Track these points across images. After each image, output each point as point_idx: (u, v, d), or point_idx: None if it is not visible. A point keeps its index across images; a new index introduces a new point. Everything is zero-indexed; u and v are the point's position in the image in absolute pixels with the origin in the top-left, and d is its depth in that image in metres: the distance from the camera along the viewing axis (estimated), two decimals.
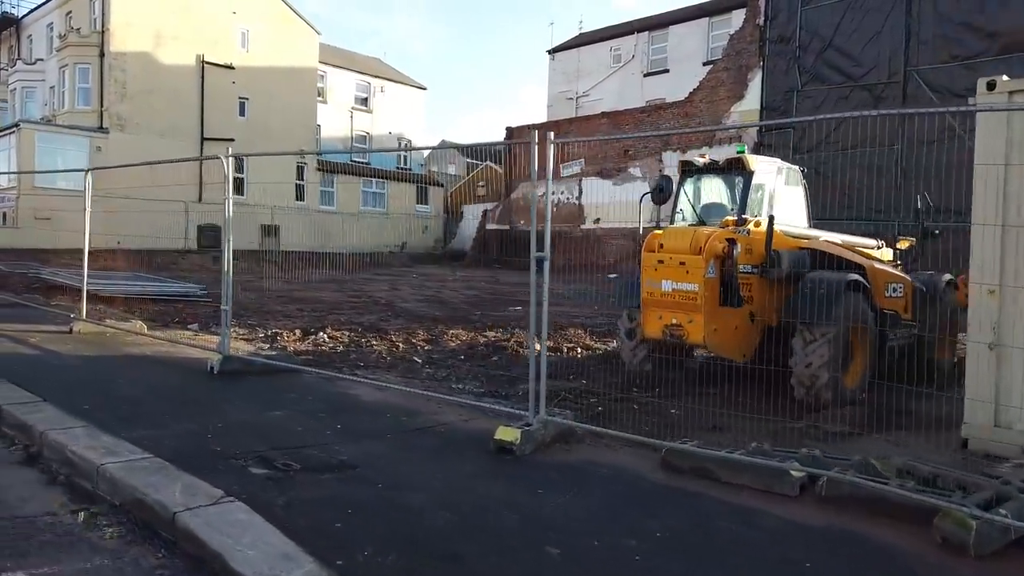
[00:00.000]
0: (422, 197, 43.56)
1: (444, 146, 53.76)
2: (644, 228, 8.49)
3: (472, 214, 39.12)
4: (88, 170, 12.16)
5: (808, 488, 4.67)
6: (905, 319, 8.56)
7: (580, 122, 32.15)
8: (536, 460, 5.40)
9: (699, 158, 8.93)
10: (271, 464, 5.08)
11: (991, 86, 5.39)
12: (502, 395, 7.64)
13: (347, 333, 11.29)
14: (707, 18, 32.06)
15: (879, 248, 9.76)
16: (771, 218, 7.68)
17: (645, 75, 34.01)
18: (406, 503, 4.45)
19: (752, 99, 27.31)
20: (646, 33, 34.05)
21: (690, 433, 5.95)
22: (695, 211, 8.78)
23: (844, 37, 24.83)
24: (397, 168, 45.59)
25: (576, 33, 40.60)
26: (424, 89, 47.81)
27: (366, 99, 45.03)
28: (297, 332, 11.14)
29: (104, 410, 6.34)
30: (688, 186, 8.99)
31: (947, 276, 9.25)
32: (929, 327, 8.49)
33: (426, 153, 49.12)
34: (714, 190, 8.93)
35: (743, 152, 8.58)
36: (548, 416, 5.69)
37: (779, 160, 9.27)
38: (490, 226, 35.98)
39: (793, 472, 4.55)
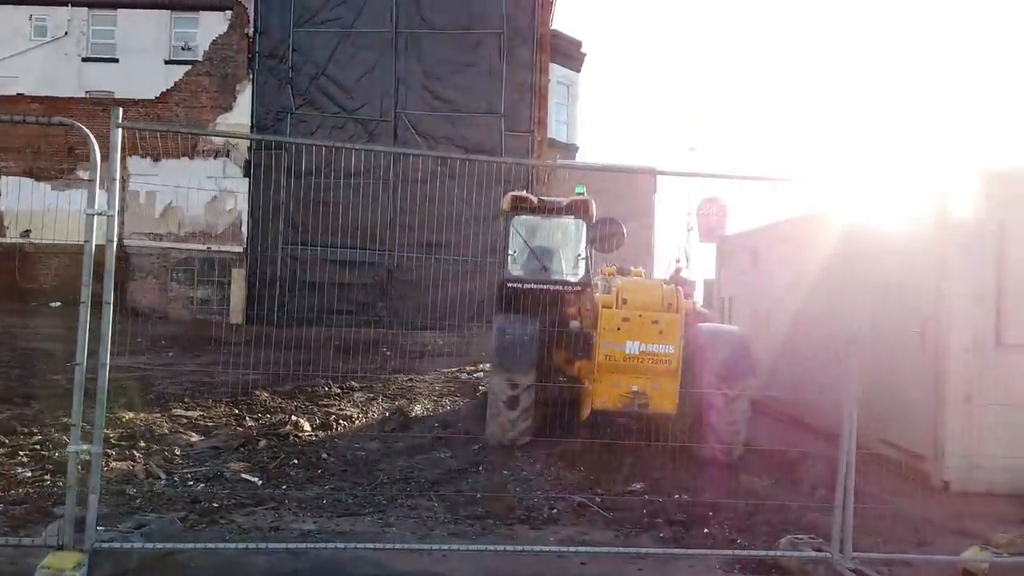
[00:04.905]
0: None
1: None
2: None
3: None
4: None
5: None
6: None
7: (2, 102, 24.34)
8: None
9: (530, 195, 7.76)
10: None
11: None
12: None
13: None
14: (169, 11, 28.10)
15: None
16: (678, 268, 7.14)
17: (84, 59, 27.86)
18: None
19: (241, 113, 25.13)
20: (85, 9, 27.85)
21: None
22: (536, 256, 7.57)
23: (339, 67, 25.00)
24: None
25: None
26: None
27: None
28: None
29: None
30: (520, 226, 7.72)
31: None
32: None
33: None
34: (546, 233, 7.91)
35: (583, 193, 7.78)
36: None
37: None
38: None
39: None
